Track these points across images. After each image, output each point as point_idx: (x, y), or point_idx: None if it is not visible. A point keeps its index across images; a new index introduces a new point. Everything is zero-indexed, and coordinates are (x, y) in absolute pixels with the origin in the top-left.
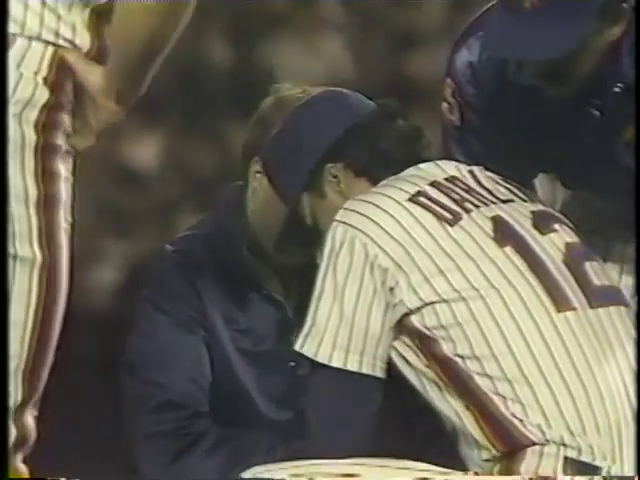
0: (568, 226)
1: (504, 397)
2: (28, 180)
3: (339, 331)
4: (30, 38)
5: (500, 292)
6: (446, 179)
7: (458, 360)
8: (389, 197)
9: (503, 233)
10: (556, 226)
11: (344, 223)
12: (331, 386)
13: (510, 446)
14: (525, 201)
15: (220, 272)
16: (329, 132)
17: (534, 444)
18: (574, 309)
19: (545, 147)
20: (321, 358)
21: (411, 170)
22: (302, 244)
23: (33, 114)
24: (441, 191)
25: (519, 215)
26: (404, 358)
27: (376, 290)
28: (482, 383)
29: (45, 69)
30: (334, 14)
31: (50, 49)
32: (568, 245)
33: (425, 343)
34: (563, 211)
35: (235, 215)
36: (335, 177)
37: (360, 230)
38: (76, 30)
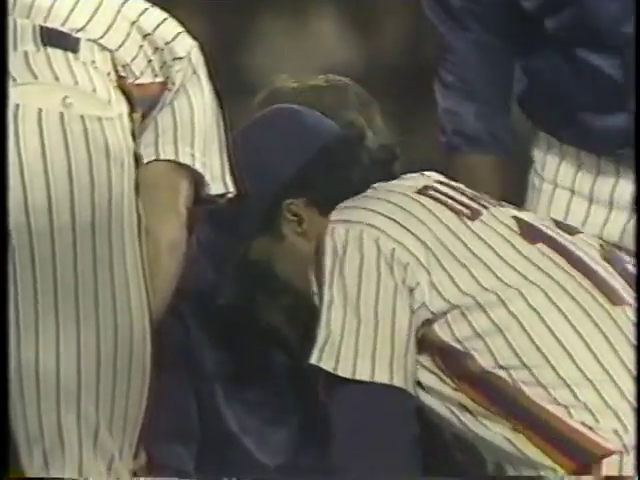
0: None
1: (565, 406)
2: None
3: (359, 338)
4: None
5: (542, 288)
6: (446, 182)
7: (501, 373)
8: (392, 191)
9: (530, 231)
10: (580, 229)
11: (343, 221)
12: (359, 405)
13: (581, 460)
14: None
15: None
16: (287, 161)
17: (611, 453)
18: (629, 304)
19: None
20: (342, 372)
21: (397, 180)
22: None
23: None
24: (450, 187)
25: (538, 218)
26: (424, 386)
27: (397, 287)
28: (535, 394)
29: None
30: None
31: None
32: (602, 244)
33: (451, 360)
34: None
35: None
36: (296, 216)
37: (367, 224)
38: None
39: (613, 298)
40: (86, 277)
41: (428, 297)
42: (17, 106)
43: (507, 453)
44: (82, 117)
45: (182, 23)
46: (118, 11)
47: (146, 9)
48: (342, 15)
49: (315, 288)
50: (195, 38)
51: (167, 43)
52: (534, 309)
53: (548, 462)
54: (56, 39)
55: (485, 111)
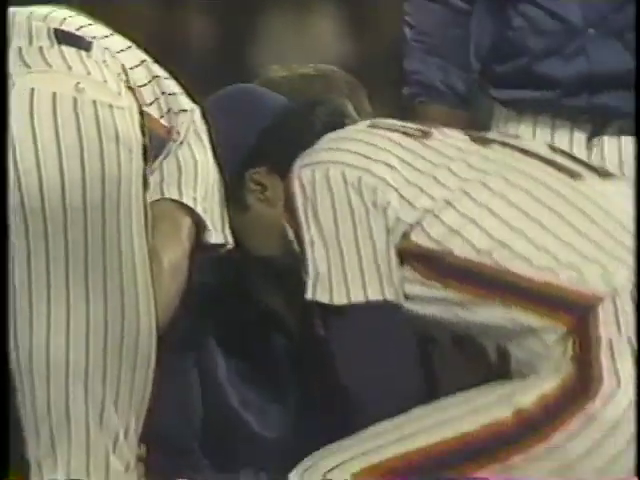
0: None
1: (550, 269)
2: None
3: (346, 268)
4: None
5: (503, 175)
6: (391, 121)
7: (483, 259)
8: (345, 133)
9: (482, 138)
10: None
11: (307, 165)
12: (358, 328)
13: (577, 312)
14: None
15: None
16: (246, 133)
17: (601, 299)
18: (587, 178)
19: None
20: (338, 300)
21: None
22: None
23: None
24: (396, 122)
25: (486, 134)
26: (413, 297)
27: (369, 211)
28: (518, 268)
29: None
30: None
31: None
32: (551, 145)
33: (433, 263)
34: None
35: None
36: (259, 184)
37: (331, 162)
38: None
39: (572, 174)
40: (96, 259)
41: (401, 211)
42: (32, 90)
43: (506, 330)
44: (94, 102)
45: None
46: (130, 46)
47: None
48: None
49: (291, 234)
50: (196, 102)
51: (173, 94)
52: (498, 194)
53: (547, 323)
54: (70, 39)
55: (445, 65)
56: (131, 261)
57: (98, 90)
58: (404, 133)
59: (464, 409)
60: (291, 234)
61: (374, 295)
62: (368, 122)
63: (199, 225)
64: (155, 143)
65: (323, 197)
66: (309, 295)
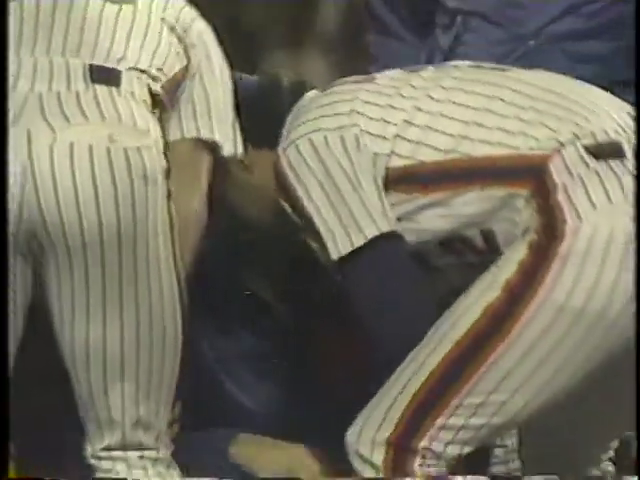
0: None
1: (505, 142)
2: None
3: (355, 214)
4: None
5: (442, 84)
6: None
7: (451, 156)
8: (305, 100)
9: (417, 68)
10: None
11: (288, 146)
12: (367, 265)
13: (533, 177)
14: None
15: None
16: None
17: (549, 156)
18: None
19: None
20: (357, 243)
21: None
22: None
23: None
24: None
25: None
26: (404, 218)
27: (353, 160)
28: (481, 151)
29: None
30: None
31: None
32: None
33: (412, 177)
34: None
35: None
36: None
37: (311, 132)
38: None
39: (500, 69)
40: (128, 271)
41: (377, 147)
42: (72, 144)
43: (484, 212)
44: (125, 149)
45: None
46: (149, 13)
47: (167, 1)
48: None
49: (289, 209)
50: (206, 18)
51: (185, 30)
52: (443, 100)
53: (513, 190)
54: (102, 76)
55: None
56: (157, 272)
57: (128, 136)
58: (355, 82)
59: (462, 309)
60: (288, 209)
61: (369, 231)
62: (320, 89)
63: (216, 150)
64: (174, 90)
65: (315, 164)
66: (334, 255)
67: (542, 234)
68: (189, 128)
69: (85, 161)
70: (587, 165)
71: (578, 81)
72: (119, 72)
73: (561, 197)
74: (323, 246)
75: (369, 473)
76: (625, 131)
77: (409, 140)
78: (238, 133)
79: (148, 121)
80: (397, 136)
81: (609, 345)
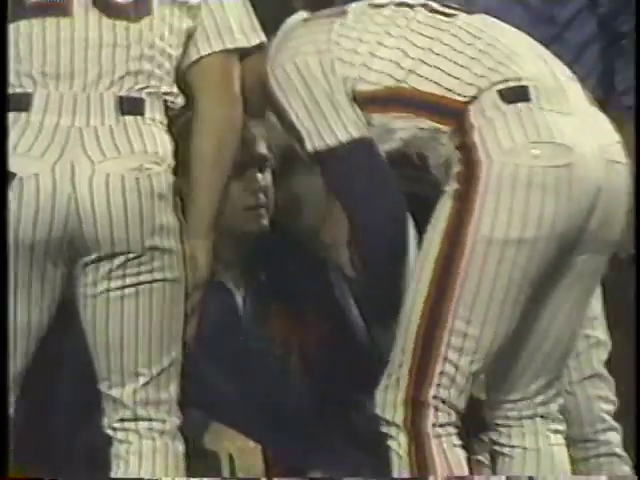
0: None
1: (437, 82)
2: None
3: (329, 119)
4: None
5: (398, 23)
6: None
7: (403, 85)
8: (287, 27)
9: (380, 3)
10: None
11: (276, 67)
12: (345, 161)
13: (454, 116)
14: None
15: None
16: None
17: (472, 99)
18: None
19: None
20: (330, 142)
21: None
22: None
23: None
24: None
25: None
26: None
27: (330, 79)
28: (426, 86)
29: None
30: None
31: None
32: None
33: (376, 100)
34: None
35: None
36: None
37: (293, 55)
38: None
39: (447, 14)
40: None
41: (347, 72)
42: (108, 175)
43: (419, 138)
44: (149, 176)
45: None
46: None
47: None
48: None
49: (275, 118)
50: None
51: None
52: (400, 37)
53: (440, 126)
54: (130, 107)
55: None
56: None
57: (153, 164)
58: (328, 16)
59: (419, 268)
60: (274, 118)
61: (342, 136)
62: (300, 18)
63: (243, 50)
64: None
65: (298, 82)
66: (309, 147)
67: (462, 172)
68: (216, 43)
69: (118, 191)
70: (498, 108)
71: (510, 28)
72: (142, 101)
73: (476, 138)
74: (301, 140)
75: (394, 433)
76: (536, 77)
77: (373, 69)
78: (258, 26)
79: (166, 144)
80: (363, 65)
81: (535, 267)
